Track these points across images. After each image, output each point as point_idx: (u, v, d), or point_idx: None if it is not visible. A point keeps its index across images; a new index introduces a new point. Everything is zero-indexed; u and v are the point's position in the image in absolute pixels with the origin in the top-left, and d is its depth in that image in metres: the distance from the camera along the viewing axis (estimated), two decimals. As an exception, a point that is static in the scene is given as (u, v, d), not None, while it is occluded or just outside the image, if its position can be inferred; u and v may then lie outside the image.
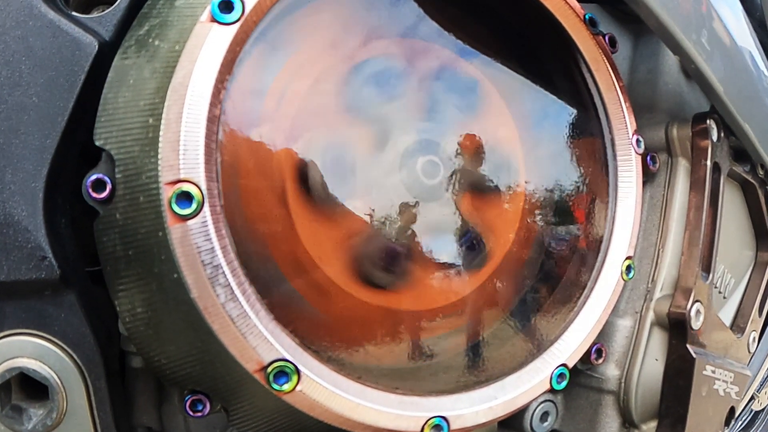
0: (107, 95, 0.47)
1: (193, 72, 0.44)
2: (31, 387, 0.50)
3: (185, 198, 0.43)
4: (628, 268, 0.60)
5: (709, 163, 0.62)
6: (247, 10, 0.46)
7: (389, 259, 0.53)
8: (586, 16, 0.58)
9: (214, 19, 0.45)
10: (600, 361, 0.60)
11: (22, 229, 0.48)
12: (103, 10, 0.56)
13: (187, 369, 0.48)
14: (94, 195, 0.47)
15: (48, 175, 0.48)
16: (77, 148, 0.50)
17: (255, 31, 0.46)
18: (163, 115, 0.43)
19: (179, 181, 0.43)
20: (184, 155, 0.42)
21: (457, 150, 0.55)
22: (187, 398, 0.50)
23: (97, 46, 0.49)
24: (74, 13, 0.52)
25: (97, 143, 0.46)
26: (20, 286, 0.48)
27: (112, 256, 0.46)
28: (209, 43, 0.44)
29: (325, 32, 0.51)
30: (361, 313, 0.52)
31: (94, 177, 0.47)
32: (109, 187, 0.46)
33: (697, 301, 0.61)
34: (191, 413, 0.50)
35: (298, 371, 0.46)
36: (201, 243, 0.43)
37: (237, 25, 0.45)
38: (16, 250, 0.48)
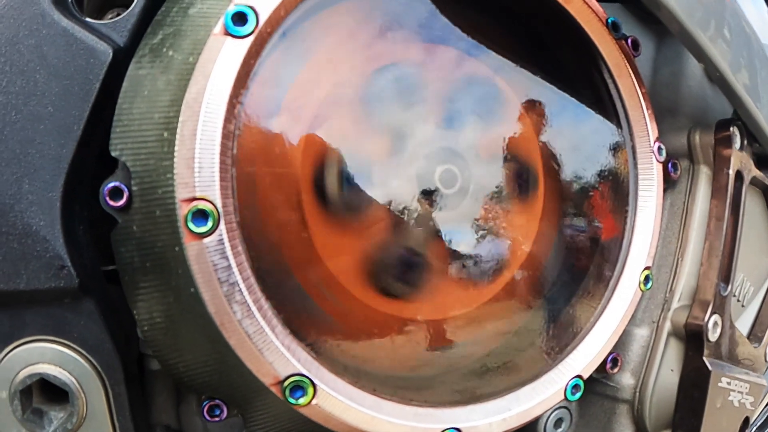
0: (122, 105, 0.47)
1: (207, 87, 0.43)
2: (52, 390, 0.51)
3: (201, 216, 0.43)
4: (647, 279, 0.59)
5: (731, 172, 0.61)
6: (261, 22, 0.45)
7: (406, 268, 0.53)
8: (609, 20, 0.57)
9: (227, 32, 0.44)
10: (615, 370, 0.60)
11: (40, 239, 0.48)
12: (117, 14, 0.56)
13: (205, 378, 0.48)
14: (112, 203, 0.46)
15: (65, 184, 0.48)
16: (94, 156, 0.50)
17: (269, 42, 0.46)
18: (178, 131, 0.43)
19: (194, 198, 0.43)
20: (199, 173, 0.42)
21: (476, 159, 0.55)
22: (204, 404, 0.50)
23: (111, 54, 0.49)
24: (88, 20, 0.51)
25: (113, 154, 0.46)
26: (40, 294, 0.49)
27: (130, 267, 0.46)
28: (223, 57, 0.44)
29: (341, 40, 0.50)
30: (378, 323, 0.52)
31: (111, 185, 0.46)
32: (126, 194, 0.46)
33: (714, 313, 0.60)
34: (209, 418, 0.51)
35: (314, 385, 0.46)
36: (217, 261, 0.43)
37: (251, 39, 0.44)
38: (35, 260, 0.48)
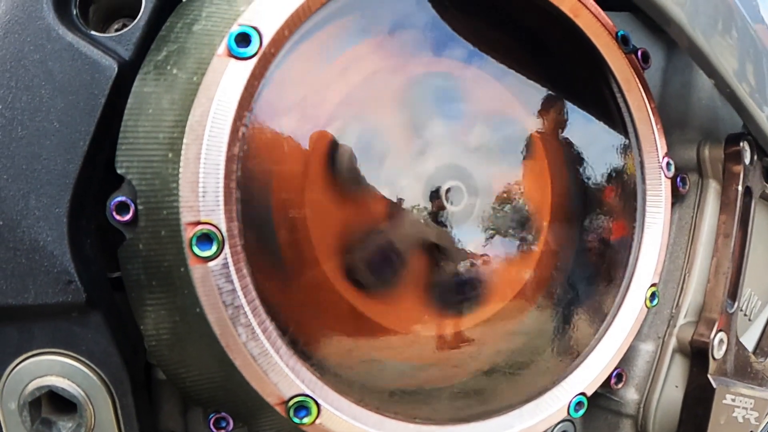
0: (127, 123, 0.47)
1: (211, 110, 0.43)
2: (61, 401, 0.52)
3: (205, 239, 0.43)
4: (653, 296, 0.59)
5: (740, 188, 0.60)
6: (265, 42, 0.44)
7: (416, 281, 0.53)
8: (619, 34, 0.56)
9: (231, 54, 0.44)
10: (620, 385, 0.60)
11: (47, 254, 0.49)
12: (123, 24, 0.55)
13: (211, 393, 0.49)
14: (118, 218, 0.47)
15: (71, 200, 0.49)
16: (101, 169, 0.50)
17: (273, 63, 0.45)
18: (182, 154, 0.43)
19: (199, 222, 0.43)
20: (203, 197, 0.42)
21: (484, 179, 0.54)
22: (210, 416, 0.51)
23: (116, 68, 0.49)
24: (93, 32, 0.51)
25: (119, 171, 0.46)
26: (47, 308, 0.49)
27: (137, 284, 0.47)
28: (226, 80, 0.43)
29: (346, 56, 0.50)
30: (385, 340, 0.52)
31: (117, 200, 0.47)
32: (132, 209, 0.46)
33: (720, 330, 0.60)
34: (215, 430, 0.51)
35: (317, 405, 0.46)
36: (222, 284, 0.43)
37: (254, 60, 0.44)
38: (43, 275, 0.49)
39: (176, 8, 0.50)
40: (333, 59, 0.49)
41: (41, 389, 0.50)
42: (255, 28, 0.44)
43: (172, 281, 0.45)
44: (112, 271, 0.53)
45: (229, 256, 0.43)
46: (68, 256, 0.49)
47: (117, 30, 0.55)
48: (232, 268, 0.43)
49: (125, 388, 0.52)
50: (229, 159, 0.43)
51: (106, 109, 0.48)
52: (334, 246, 0.49)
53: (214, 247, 0.43)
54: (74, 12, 0.52)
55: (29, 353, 0.51)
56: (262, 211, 0.46)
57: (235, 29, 0.44)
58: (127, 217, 0.46)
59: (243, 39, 0.44)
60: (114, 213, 0.47)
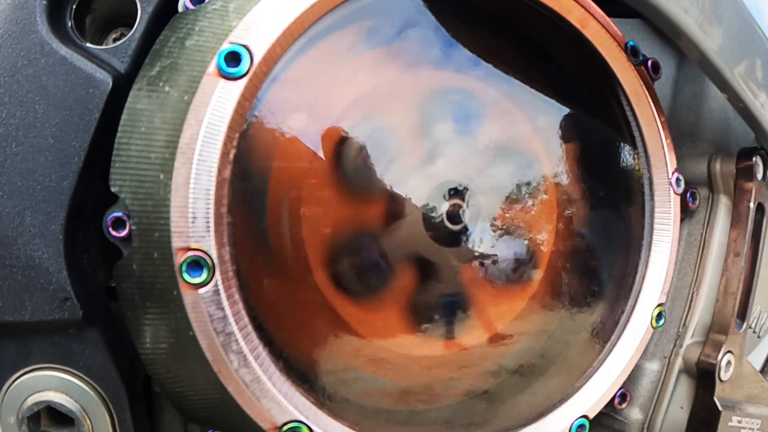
0: (121, 140, 0.46)
1: (200, 133, 0.42)
2: (59, 414, 0.52)
3: (196, 266, 0.42)
4: (659, 315, 0.58)
5: (752, 205, 0.58)
6: (256, 61, 0.43)
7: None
8: (628, 45, 0.54)
9: (220, 73, 0.43)
10: (624, 405, 0.59)
11: (43, 271, 0.48)
12: (121, 33, 0.55)
13: (207, 413, 0.49)
14: (115, 234, 0.46)
15: (67, 216, 0.48)
16: (97, 183, 0.50)
17: (265, 82, 0.44)
18: (173, 178, 0.42)
19: (189, 249, 0.42)
20: (193, 224, 0.41)
21: (486, 197, 0.53)
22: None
23: (111, 83, 0.48)
24: (88, 45, 0.50)
25: (113, 189, 0.46)
26: (45, 324, 0.49)
27: (131, 304, 0.46)
28: (215, 101, 0.42)
29: (339, 74, 0.49)
30: (383, 361, 0.52)
31: (113, 216, 0.46)
32: (128, 225, 0.45)
33: (728, 351, 0.59)
34: (214, 446, 0.51)
35: (311, 431, 0.46)
36: (213, 311, 0.42)
37: (245, 80, 0.43)
38: (39, 292, 0.49)
39: (170, 21, 0.49)
40: (328, 76, 0.48)
41: (39, 404, 0.51)
42: (245, 47, 0.43)
43: (165, 303, 0.45)
44: (110, 280, 0.53)
45: (220, 282, 0.42)
46: (64, 273, 0.48)
47: (115, 39, 0.54)
48: (223, 295, 0.43)
49: (123, 403, 0.52)
50: (220, 183, 0.42)
51: (101, 124, 0.48)
52: (331, 268, 0.48)
53: (205, 274, 0.42)
54: (69, 24, 0.51)
55: (27, 368, 0.51)
56: (255, 235, 0.46)
57: (225, 47, 0.43)
58: (124, 233, 0.46)
59: (233, 58, 0.43)
60: (110, 228, 0.46)
